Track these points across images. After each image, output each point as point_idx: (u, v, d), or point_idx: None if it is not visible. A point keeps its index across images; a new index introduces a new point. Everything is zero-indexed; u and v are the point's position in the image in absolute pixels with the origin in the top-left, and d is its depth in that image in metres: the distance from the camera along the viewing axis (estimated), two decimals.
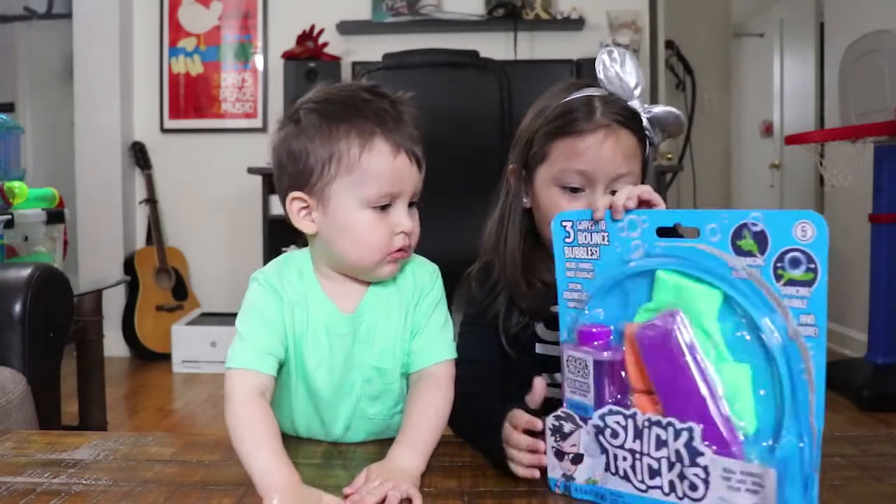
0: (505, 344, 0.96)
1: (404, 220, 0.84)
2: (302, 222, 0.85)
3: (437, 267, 0.94)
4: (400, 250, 0.84)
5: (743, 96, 5.92)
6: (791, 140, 3.06)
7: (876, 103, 2.63)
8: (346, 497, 0.72)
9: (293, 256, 0.91)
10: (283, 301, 0.85)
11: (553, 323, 0.95)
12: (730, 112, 4.67)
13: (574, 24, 3.40)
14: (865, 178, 2.72)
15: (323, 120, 0.82)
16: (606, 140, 0.90)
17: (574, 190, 0.92)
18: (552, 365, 0.94)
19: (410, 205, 0.86)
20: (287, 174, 0.85)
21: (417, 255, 0.94)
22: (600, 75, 0.94)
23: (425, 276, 0.91)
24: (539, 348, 0.96)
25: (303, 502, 0.69)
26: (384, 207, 0.83)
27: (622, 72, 0.93)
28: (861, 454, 0.84)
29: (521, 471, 0.75)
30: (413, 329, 0.89)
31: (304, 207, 0.84)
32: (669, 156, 3.40)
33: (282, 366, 0.86)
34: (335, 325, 0.87)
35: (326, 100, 0.84)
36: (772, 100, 5.44)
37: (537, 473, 0.75)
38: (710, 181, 4.39)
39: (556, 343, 0.95)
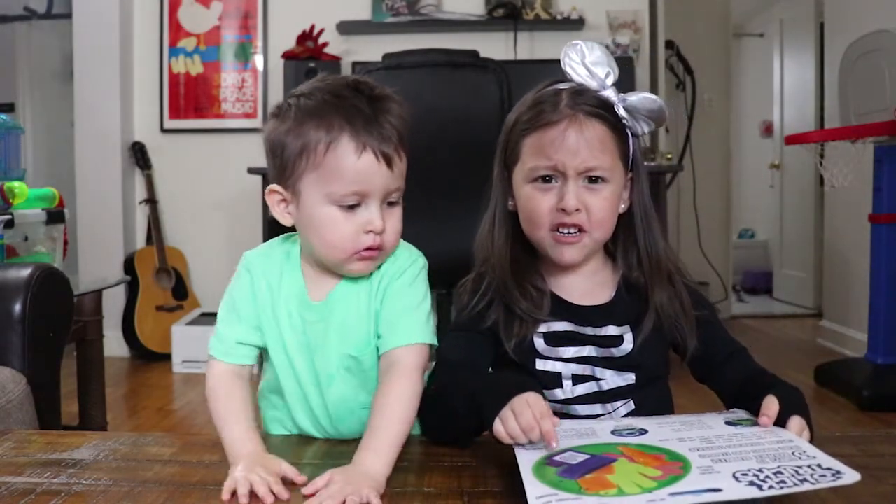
0: (510, 353, 0.94)
1: (374, 220, 0.83)
2: (280, 214, 0.88)
3: (419, 253, 0.93)
4: (370, 248, 0.85)
5: (743, 96, 5.93)
6: (791, 140, 3.06)
7: (876, 103, 2.63)
8: (304, 497, 0.72)
9: (290, 238, 0.94)
10: (254, 282, 0.91)
11: (552, 338, 0.95)
12: (730, 112, 4.66)
13: (574, 24, 3.40)
14: (865, 178, 2.72)
15: (298, 114, 0.83)
16: (569, 129, 0.89)
17: (546, 180, 0.91)
18: (551, 380, 0.94)
19: (392, 204, 0.86)
20: (270, 165, 0.88)
21: (403, 241, 0.93)
22: (565, 68, 0.93)
23: (400, 260, 0.91)
24: (539, 364, 0.94)
25: (263, 467, 0.76)
26: (353, 206, 0.83)
27: (589, 63, 0.92)
28: (861, 454, 0.84)
29: (507, 440, 0.75)
30: (383, 310, 0.89)
31: (281, 200, 0.87)
32: (669, 156, 3.40)
33: (261, 348, 0.92)
34: (304, 312, 0.90)
35: (308, 94, 0.85)
36: (772, 100, 5.45)
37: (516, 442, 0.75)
38: (710, 181, 4.39)
39: (557, 359, 0.95)
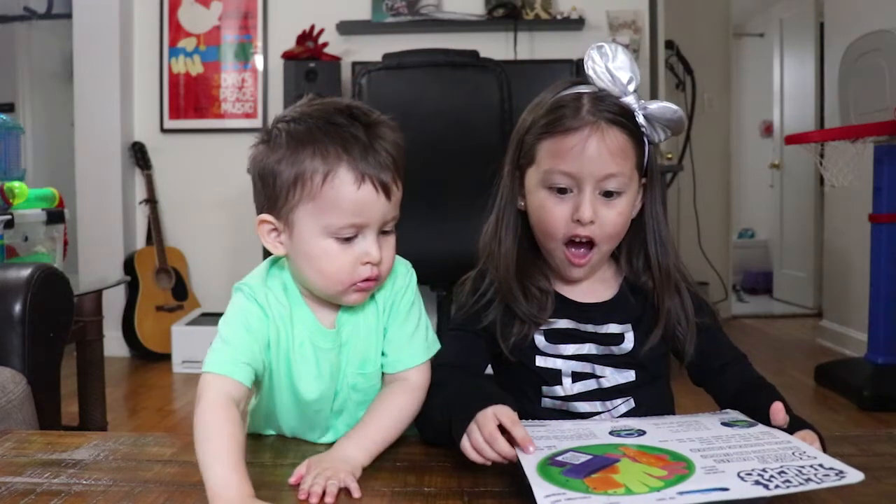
0: (507, 353, 0.94)
1: (371, 251, 0.81)
2: (271, 244, 0.84)
3: (409, 265, 0.93)
4: (367, 279, 0.83)
5: (743, 96, 5.93)
6: (791, 140, 3.06)
7: (876, 103, 2.63)
8: (291, 486, 0.75)
9: (278, 267, 0.89)
10: (268, 317, 0.85)
11: (553, 335, 0.95)
12: (730, 112, 4.66)
13: (574, 24, 3.40)
14: (865, 178, 2.72)
15: (291, 141, 0.80)
16: (591, 137, 0.87)
17: (561, 191, 0.90)
18: (551, 377, 0.94)
19: (386, 232, 0.84)
20: (258, 193, 0.85)
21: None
22: (589, 72, 0.91)
23: (400, 277, 0.90)
24: (539, 361, 0.94)
25: None
26: (349, 238, 0.81)
27: (613, 67, 0.90)
28: (861, 454, 0.84)
29: (473, 455, 0.74)
30: (386, 329, 0.89)
31: (273, 230, 0.84)
32: (669, 156, 3.40)
33: (258, 378, 0.85)
34: (319, 341, 0.87)
35: (299, 119, 0.81)
36: (772, 100, 5.45)
37: (489, 462, 0.73)
38: (710, 181, 4.39)
39: (557, 356, 0.94)
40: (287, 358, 0.86)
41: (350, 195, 0.78)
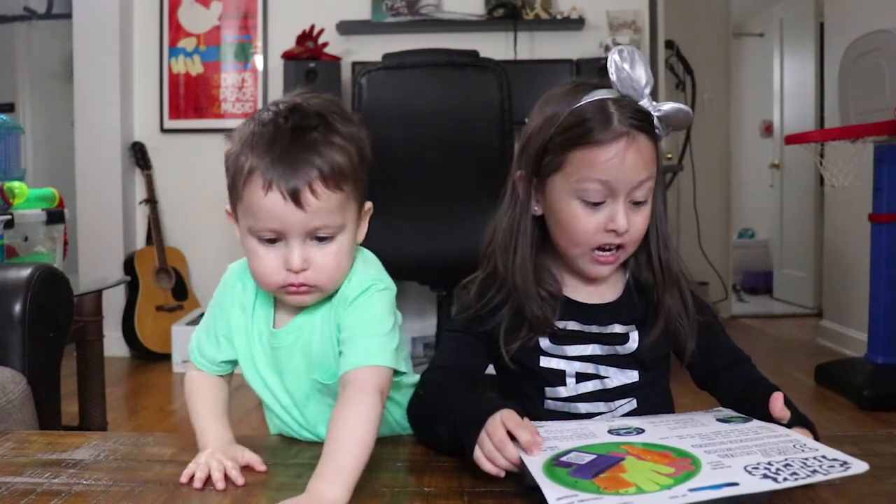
0: (507, 360, 0.93)
1: (291, 258, 0.79)
2: (237, 234, 0.86)
3: (377, 278, 0.87)
4: (293, 285, 0.81)
5: (743, 96, 5.93)
6: (791, 140, 3.06)
7: (876, 103, 2.63)
8: None
9: None
10: (235, 304, 0.91)
11: (558, 336, 0.94)
12: (730, 112, 4.67)
13: (574, 23, 3.40)
14: (865, 178, 2.72)
15: (236, 137, 0.82)
16: (629, 150, 0.87)
17: (595, 204, 0.89)
18: (555, 378, 0.94)
19: (324, 239, 0.81)
20: None
21: (369, 255, 0.90)
22: (613, 77, 0.90)
23: (351, 286, 0.85)
24: (543, 361, 0.94)
25: (224, 453, 0.79)
26: (273, 240, 0.80)
27: (633, 72, 0.90)
28: (861, 454, 0.83)
29: (487, 465, 0.73)
30: (341, 334, 0.85)
31: (234, 220, 0.86)
32: (669, 156, 3.40)
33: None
34: (267, 339, 0.89)
35: (256, 115, 0.82)
36: (772, 100, 5.45)
37: (502, 473, 0.73)
38: (710, 181, 4.39)
39: (561, 357, 0.94)
40: (249, 346, 0.91)
41: (258, 201, 0.78)
